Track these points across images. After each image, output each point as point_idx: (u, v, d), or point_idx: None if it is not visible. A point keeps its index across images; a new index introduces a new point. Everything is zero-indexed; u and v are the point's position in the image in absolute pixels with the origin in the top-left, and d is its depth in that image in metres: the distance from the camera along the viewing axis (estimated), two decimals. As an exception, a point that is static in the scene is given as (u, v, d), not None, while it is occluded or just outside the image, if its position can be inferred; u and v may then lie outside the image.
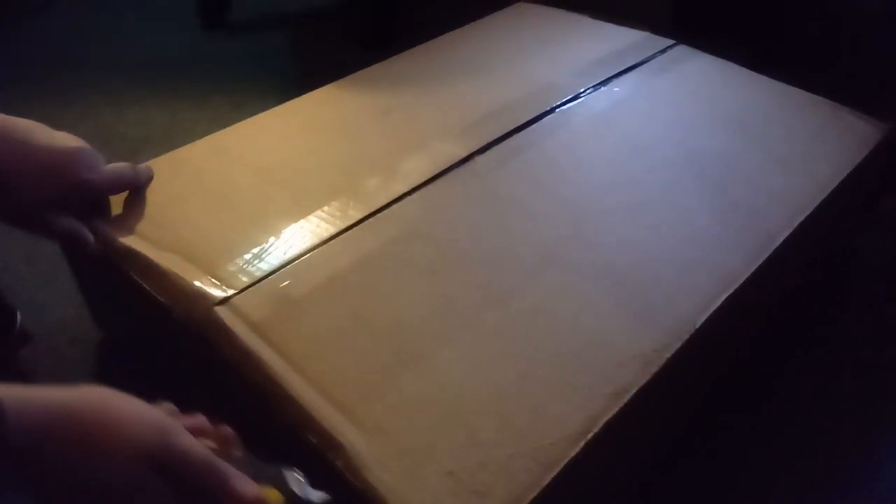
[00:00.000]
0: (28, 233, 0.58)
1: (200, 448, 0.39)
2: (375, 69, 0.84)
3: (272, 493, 0.40)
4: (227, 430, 0.43)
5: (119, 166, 0.61)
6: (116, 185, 0.62)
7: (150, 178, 0.65)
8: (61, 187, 0.56)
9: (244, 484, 0.39)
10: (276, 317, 0.52)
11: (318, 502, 0.41)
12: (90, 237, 0.58)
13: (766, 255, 0.61)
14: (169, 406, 0.41)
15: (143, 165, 0.65)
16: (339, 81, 0.82)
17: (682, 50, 0.87)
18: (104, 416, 0.36)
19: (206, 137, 0.73)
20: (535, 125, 0.73)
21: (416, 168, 0.66)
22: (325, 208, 0.62)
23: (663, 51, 0.86)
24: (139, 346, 0.71)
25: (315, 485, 0.42)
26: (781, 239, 0.62)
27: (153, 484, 0.37)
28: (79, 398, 0.37)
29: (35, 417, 0.34)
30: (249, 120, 0.75)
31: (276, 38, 1.43)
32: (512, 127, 0.72)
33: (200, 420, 0.42)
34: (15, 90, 1.19)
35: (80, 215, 0.58)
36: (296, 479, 0.42)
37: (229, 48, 1.40)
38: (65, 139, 0.57)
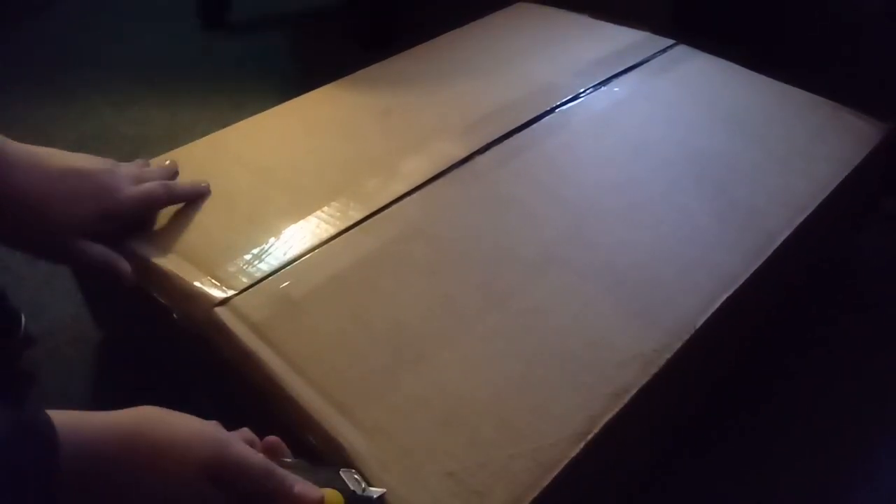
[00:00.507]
0: (60, 264, 0.56)
1: (256, 456, 0.39)
2: (375, 69, 0.84)
3: (332, 494, 0.40)
4: (274, 439, 0.43)
5: (149, 186, 0.58)
6: (146, 206, 0.58)
7: (190, 194, 0.61)
8: (88, 212, 0.53)
9: (305, 487, 0.39)
10: (277, 317, 0.52)
11: (376, 498, 0.42)
12: (126, 267, 0.55)
13: (766, 256, 0.61)
14: (216, 423, 0.41)
15: (178, 183, 0.62)
16: (339, 81, 0.82)
17: (682, 50, 0.87)
18: (157, 435, 0.37)
19: (207, 137, 0.73)
20: (535, 125, 0.73)
21: (416, 168, 0.66)
22: (325, 209, 0.62)
23: (663, 51, 0.86)
24: (139, 346, 0.71)
25: (371, 483, 0.43)
26: (781, 239, 0.62)
27: (214, 495, 0.37)
28: (130, 420, 0.37)
29: (88, 445, 0.34)
30: (249, 120, 0.75)
31: (276, 38, 1.43)
32: (512, 127, 0.72)
33: (247, 433, 0.42)
34: (15, 90, 1.19)
35: (112, 241, 0.55)
36: (353, 479, 0.42)
37: (229, 48, 1.40)
38: (86, 162, 0.55)
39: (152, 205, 0.59)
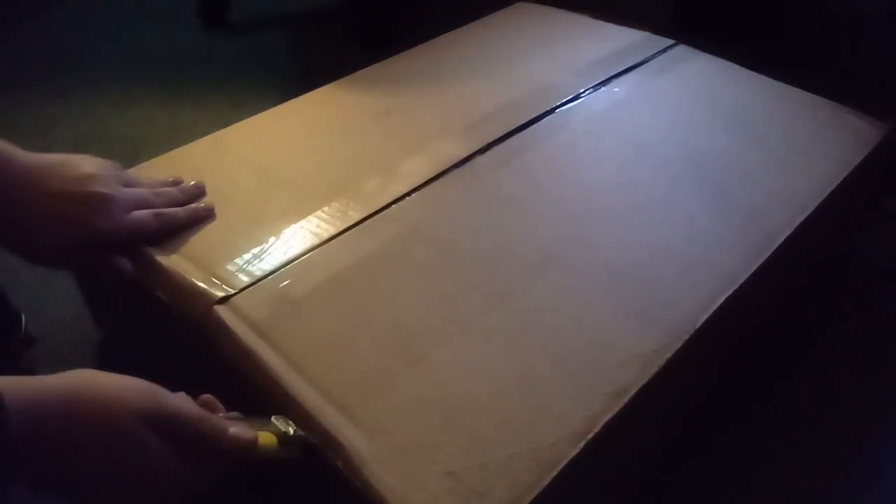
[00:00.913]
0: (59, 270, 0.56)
1: (191, 404, 0.42)
2: (375, 69, 0.85)
3: (265, 436, 0.43)
4: (208, 396, 0.45)
5: (141, 217, 0.57)
6: (136, 236, 0.57)
7: (186, 222, 0.60)
8: (76, 233, 0.53)
9: (239, 429, 0.42)
10: (276, 316, 0.52)
11: (304, 437, 0.45)
12: (127, 265, 0.56)
13: (766, 256, 0.61)
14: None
15: (175, 213, 0.60)
16: (339, 81, 0.82)
17: (682, 50, 0.87)
18: (94, 391, 0.38)
19: (207, 137, 0.73)
20: (535, 125, 0.73)
21: (416, 168, 0.66)
22: (325, 209, 0.62)
23: (663, 51, 0.86)
24: (139, 346, 0.71)
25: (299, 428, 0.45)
26: (782, 239, 0.62)
27: (154, 443, 0.39)
28: (67, 380, 0.38)
29: (29, 405, 0.35)
30: (249, 120, 0.75)
31: (276, 38, 1.43)
32: (512, 127, 0.72)
33: (183, 395, 0.43)
34: (15, 90, 1.19)
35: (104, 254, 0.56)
36: (284, 423, 0.45)
37: (229, 48, 1.40)
38: (82, 184, 0.54)
39: (142, 234, 0.57)
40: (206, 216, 0.61)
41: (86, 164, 0.55)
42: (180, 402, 0.41)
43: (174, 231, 0.59)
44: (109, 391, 0.39)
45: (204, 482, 0.42)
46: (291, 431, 0.45)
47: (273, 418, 0.45)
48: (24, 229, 0.52)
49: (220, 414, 0.44)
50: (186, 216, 0.60)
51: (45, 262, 0.56)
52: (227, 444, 0.42)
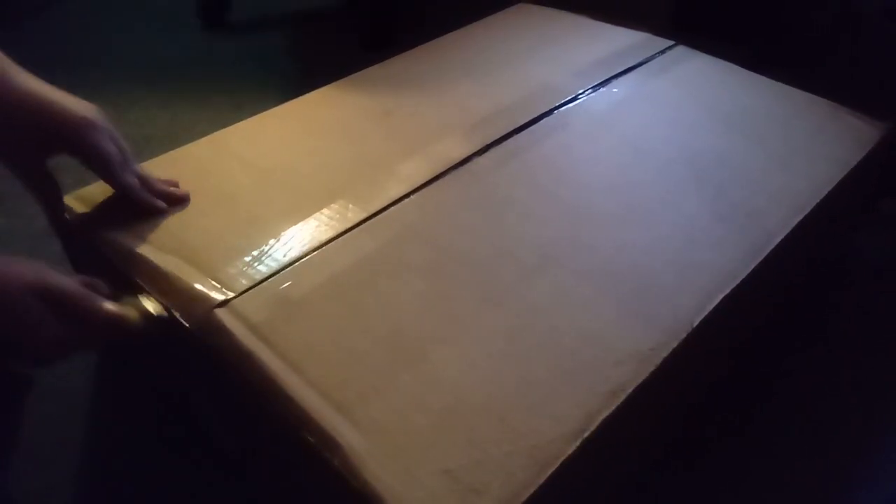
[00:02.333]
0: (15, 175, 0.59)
1: (75, 282, 0.49)
2: (375, 70, 0.85)
3: (130, 310, 0.52)
4: (92, 279, 0.52)
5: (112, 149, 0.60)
6: (102, 164, 0.59)
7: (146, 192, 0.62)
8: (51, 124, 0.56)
9: (108, 303, 0.50)
10: (276, 318, 0.52)
11: (163, 316, 0.53)
12: (63, 212, 0.61)
13: (764, 255, 0.61)
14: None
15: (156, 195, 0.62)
16: (340, 82, 0.82)
17: (681, 51, 0.87)
18: None
19: (207, 137, 0.73)
20: (534, 126, 0.73)
21: (416, 170, 0.66)
22: (325, 210, 0.62)
23: (663, 51, 0.86)
24: (140, 347, 0.71)
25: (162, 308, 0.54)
26: (780, 239, 0.62)
27: (37, 305, 0.45)
28: None
29: None
30: (249, 120, 0.76)
31: (276, 39, 1.44)
32: (511, 128, 0.72)
33: (67, 274, 0.50)
34: (16, 91, 1.19)
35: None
36: (149, 301, 0.54)
37: (230, 48, 1.40)
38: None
39: (106, 172, 0.59)
40: (177, 200, 0.63)
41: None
42: (64, 279, 0.48)
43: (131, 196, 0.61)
44: (0, 266, 0.45)
45: (83, 346, 0.50)
46: (154, 311, 0.53)
47: (144, 297, 0.54)
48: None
49: (102, 290, 0.51)
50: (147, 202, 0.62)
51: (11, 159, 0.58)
52: (102, 315, 0.49)
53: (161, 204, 0.62)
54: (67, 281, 0.48)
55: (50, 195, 0.60)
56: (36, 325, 0.46)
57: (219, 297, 0.53)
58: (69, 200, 0.63)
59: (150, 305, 0.53)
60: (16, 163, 0.58)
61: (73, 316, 0.48)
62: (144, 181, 0.62)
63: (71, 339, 0.48)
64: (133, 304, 0.53)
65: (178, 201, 0.63)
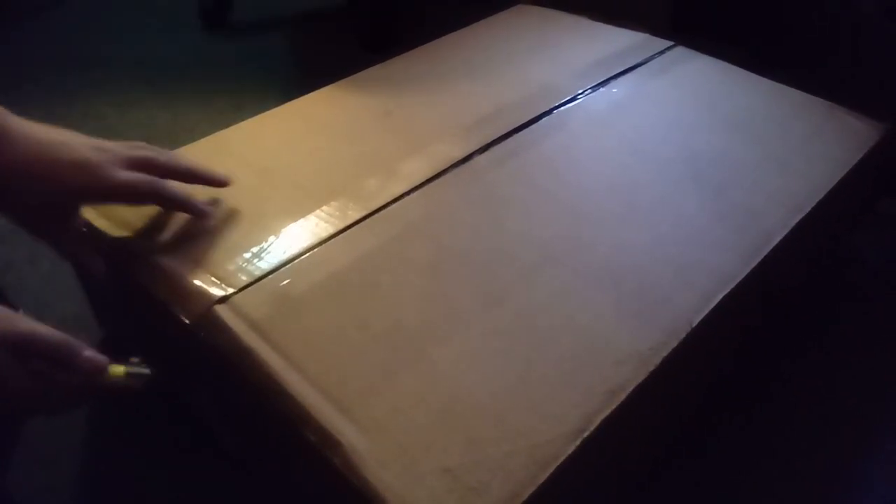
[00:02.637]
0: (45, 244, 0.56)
1: (48, 328, 0.43)
2: (376, 70, 0.85)
3: (115, 368, 0.47)
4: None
5: (136, 179, 0.54)
6: (126, 198, 0.55)
7: (181, 203, 0.58)
8: (66, 185, 0.52)
9: (93, 353, 0.45)
10: (276, 315, 0.52)
11: (150, 373, 0.49)
12: (101, 266, 0.57)
13: (763, 255, 0.61)
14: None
15: (172, 188, 0.57)
16: (340, 82, 0.82)
17: (680, 51, 0.87)
18: None
19: (208, 137, 0.73)
20: (534, 126, 0.73)
21: (416, 169, 0.67)
22: (325, 208, 0.62)
23: (662, 52, 0.87)
24: (141, 344, 0.71)
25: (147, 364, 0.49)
26: (778, 239, 0.63)
27: (13, 365, 0.41)
28: None
29: None
30: (250, 120, 0.76)
31: (276, 39, 1.44)
32: (511, 128, 0.72)
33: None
34: (16, 91, 1.19)
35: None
36: (135, 361, 0.49)
37: (230, 49, 1.40)
38: (72, 137, 0.53)
39: (133, 198, 0.55)
40: (204, 214, 0.59)
41: (84, 150, 0.53)
42: (36, 324, 0.43)
43: (169, 206, 0.58)
44: None
45: (57, 402, 0.45)
46: (141, 365, 0.49)
47: (131, 358, 0.49)
48: (17, 182, 0.51)
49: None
50: (184, 198, 0.58)
51: (36, 226, 0.54)
52: (80, 362, 0.44)
53: (208, 208, 0.59)
54: (44, 327, 0.43)
55: (84, 250, 0.56)
56: (2, 380, 0.41)
57: (218, 293, 0.53)
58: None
59: (136, 362, 0.49)
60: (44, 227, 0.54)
61: (46, 364, 0.43)
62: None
63: (41, 390, 0.43)
64: (120, 363, 0.48)
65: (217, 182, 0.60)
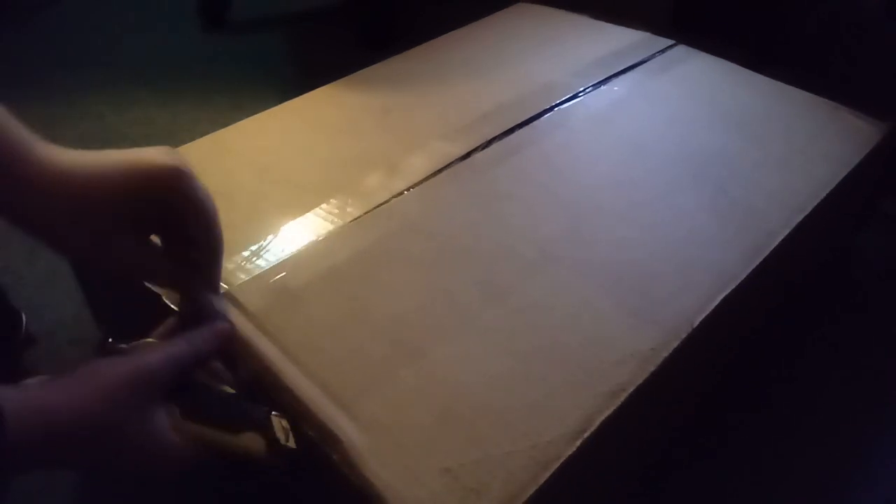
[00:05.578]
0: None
1: (172, 343, 0.42)
2: (375, 69, 0.85)
3: (252, 437, 0.41)
4: (217, 365, 0.45)
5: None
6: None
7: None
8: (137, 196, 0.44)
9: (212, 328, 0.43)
10: (274, 308, 0.52)
11: (294, 449, 0.43)
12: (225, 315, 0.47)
13: (764, 255, 0.61)
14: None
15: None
16: (340, 81, 0.82)
17: (681, 50, 0.87)
18: (100, 394, 0.37)
19: (207, 136, 0.73)
20: (534, 123, 0.73)
21: (415, 166, 0.66)
22: (324, 206, 0.62)
23: (663, 51, 0.86)
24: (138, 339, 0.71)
25: (296, 432, 0.44)
26: (780, 238, 0.62)
27: (167, 424, 0.39)
28: (72, 392, 0.37)
29: (33, 420, 0.34)
30: (250, 119, 0.76)
31: (276, 38, 1.44)
32: (511, 125, 0.72)
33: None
34: (16, 90, 1.19)
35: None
36: (281, 426, 0.43)
37: (230, 48, 1.40)
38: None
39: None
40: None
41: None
42: (165, 348, 0.41)
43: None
44: (117, 391, 0.38)
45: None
46: (286, 439, 0.42)
47: (276, 417, 0.43)
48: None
49: (226, 390, 0.44)
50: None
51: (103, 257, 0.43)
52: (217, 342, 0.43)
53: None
54: (170, 348, 0.41)
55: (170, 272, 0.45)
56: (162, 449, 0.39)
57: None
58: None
59: (278, 428, 0.42)
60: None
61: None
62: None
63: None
64: (264, 422, 0.42)
65: None
